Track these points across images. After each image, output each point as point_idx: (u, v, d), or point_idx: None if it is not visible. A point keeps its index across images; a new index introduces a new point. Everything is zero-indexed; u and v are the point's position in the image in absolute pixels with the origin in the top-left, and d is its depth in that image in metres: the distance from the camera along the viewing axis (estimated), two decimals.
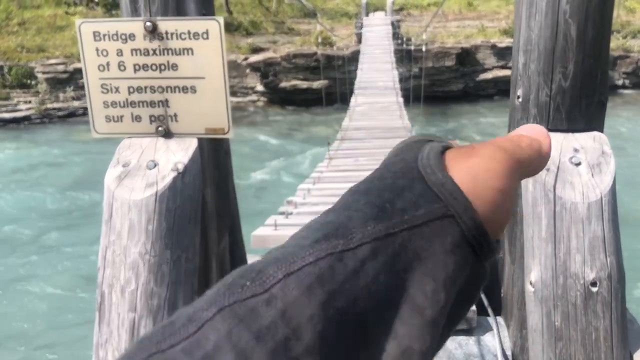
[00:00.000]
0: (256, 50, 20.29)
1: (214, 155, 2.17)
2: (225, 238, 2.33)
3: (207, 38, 1.89)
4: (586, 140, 1.86)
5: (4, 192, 11.26)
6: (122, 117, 2.00)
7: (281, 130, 16.72)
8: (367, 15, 23.12)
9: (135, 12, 1.91)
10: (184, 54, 1.91)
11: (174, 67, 1.93)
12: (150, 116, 1.99)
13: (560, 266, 1.71)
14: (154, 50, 1.91)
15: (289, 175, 11.67)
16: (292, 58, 19.31)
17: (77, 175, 12.30)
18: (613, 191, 1.75)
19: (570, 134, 1.87)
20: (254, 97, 20.13)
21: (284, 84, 19.54)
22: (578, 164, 1.80)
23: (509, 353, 2.13)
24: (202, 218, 2.00)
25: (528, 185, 1.82)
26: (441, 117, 17.65)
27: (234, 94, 19.74)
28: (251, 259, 2.88)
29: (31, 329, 6.52)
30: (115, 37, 1.91)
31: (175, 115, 1.98)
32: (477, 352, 2.12)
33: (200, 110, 1.96)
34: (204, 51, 1.90)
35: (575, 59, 1.79)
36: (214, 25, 1.88)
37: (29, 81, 18.78)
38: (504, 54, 20.10)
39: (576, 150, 1.83)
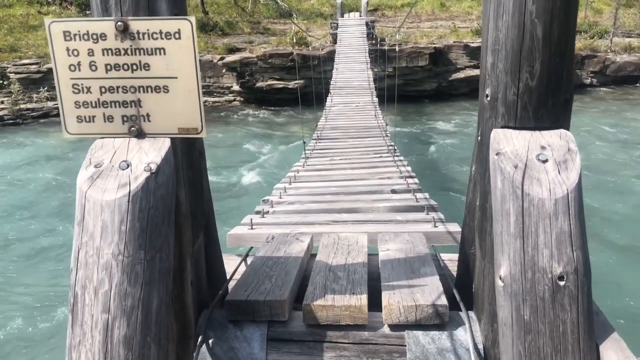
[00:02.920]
0: (232, 50, 20.22)
1: (187, 156, 2.17)
2: (200, 238, 2.33)
3: (179, 38, 1.89)
4: (553, 137, 1.90)
5: None
6: (94, 117, 1.99)
7: (257, 130, 16.68)
8: (342, 16, 23.17)
9: (106, 11, 1.90)
10: (156, 53, 1.91)
11: (146, 67, 1.92)
12: (123, 116, 1.98)
13: (529, 261, 1.75)
14: (126, 50, 1.91)
15: (265, 175, 11.65)
16: (268, 58, 19.28)
17: (52, 176, 12.12)
18: (579, 187, 1.80)
19: (537, 132, 1.92)
20: (230, 97, 20.05)
21: (260, 84, 19.51)
22: (545, 161, 1.84)
23: (480, 347, 2.17)
24: (176, 218, 2.00)
25: (497, 182, 1.86)
26: (416, 116, 17.79)
27: (210, 93, 19.64)
28: (226, 258, 2.89)
29: (7, 334, 6.41)
30: (86, 37, 1.90)
31: (148, 115, 1.97)
32: (449, 346, 2.15)
33: (173, 110, 1.96)
34: (176, 51, 1.90)
35: (541, 58, 1.84)
36: (185, 25, 1.88)
37: (1, 81, 18.44)
38: (476, 53, 20.38)
39: (543, 148, 1.88)
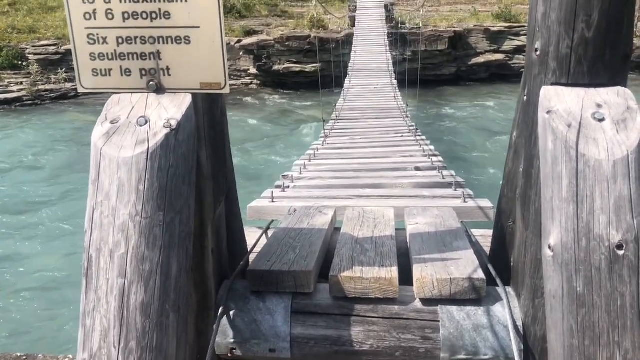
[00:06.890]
0: (249, 33, 20.06)
1: (209, 114, 2.03)
2: (221, 204, 2.20)
3: None
4: (610, 95, 1.73)
5: None
6: (110, 70, 1.86)
7: (274, 112, 16.55)
8: None
9: None
10: (176, 0, 1.76)
11: (166, 15, 1.78)
12: (141, 70, 1.85)
13: (583, 228, 1.59)
14: None
15: (282, 156, 11.53)
16: (286, 41, 19.09)
17: (69, 156, 12.12)
18: None
19: (592, 89, 1.75)
20: (247, 80, 19.93)
21: (277, 67, 19.33)
22: (602, 120, 1.68)
23: (519, 324, 2.02)
24: (197, 181, 1.87)
25: (548, 144, 1.70)
26: (435, 101, 17.53)
27: None
28: (247, 230, 2.76)
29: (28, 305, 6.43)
30: None
31: (168, 68, 1.83)
32: (486, 323, 2.01)
33: (195, 63, 1.82)
34: None
35: (600, 5, 1.66)
36: None
37: (20, 62, 18.52)
38: (496, 38, 20.00)
39: (599, 106, 1.71)
